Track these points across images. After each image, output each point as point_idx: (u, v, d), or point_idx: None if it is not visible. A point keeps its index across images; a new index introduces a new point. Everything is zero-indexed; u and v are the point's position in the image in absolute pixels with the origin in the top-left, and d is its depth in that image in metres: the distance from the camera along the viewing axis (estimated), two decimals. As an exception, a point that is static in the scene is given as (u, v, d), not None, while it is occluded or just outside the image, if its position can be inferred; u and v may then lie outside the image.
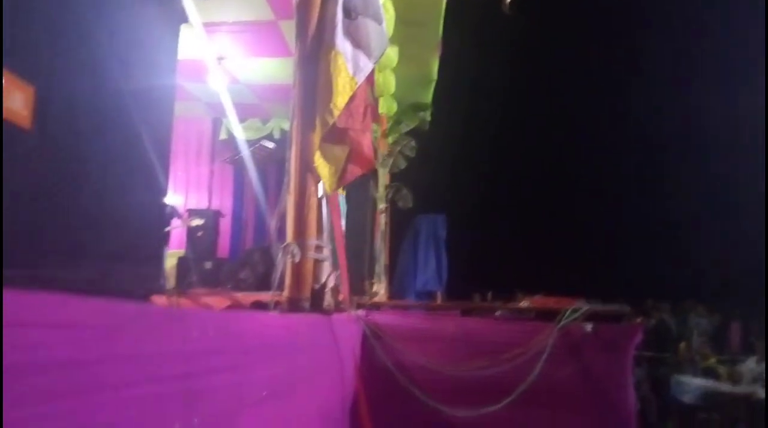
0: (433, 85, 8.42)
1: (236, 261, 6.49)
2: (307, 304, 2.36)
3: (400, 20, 6.81)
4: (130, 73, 1.18)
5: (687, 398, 5.77)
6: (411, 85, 8.04)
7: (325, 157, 2.44)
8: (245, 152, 6.23)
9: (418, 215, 9.90)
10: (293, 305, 2.34)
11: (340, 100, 2.38)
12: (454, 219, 10.12)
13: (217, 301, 1.91)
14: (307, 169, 2.47)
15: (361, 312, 4.32)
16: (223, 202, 10.50)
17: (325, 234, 2.51)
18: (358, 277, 8.01)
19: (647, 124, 15.09)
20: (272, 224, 2.63)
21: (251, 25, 7.15)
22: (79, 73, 1.00)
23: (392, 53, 7.05)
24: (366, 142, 2.45)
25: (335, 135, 2.40)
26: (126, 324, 0.83)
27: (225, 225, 10.10)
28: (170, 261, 9.12)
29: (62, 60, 0.96)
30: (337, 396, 2.33)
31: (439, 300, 9.23)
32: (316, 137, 2.37)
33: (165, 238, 1.32)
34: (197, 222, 8.52)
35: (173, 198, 9.46)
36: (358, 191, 8.57)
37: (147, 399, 0.87)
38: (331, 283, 2.46)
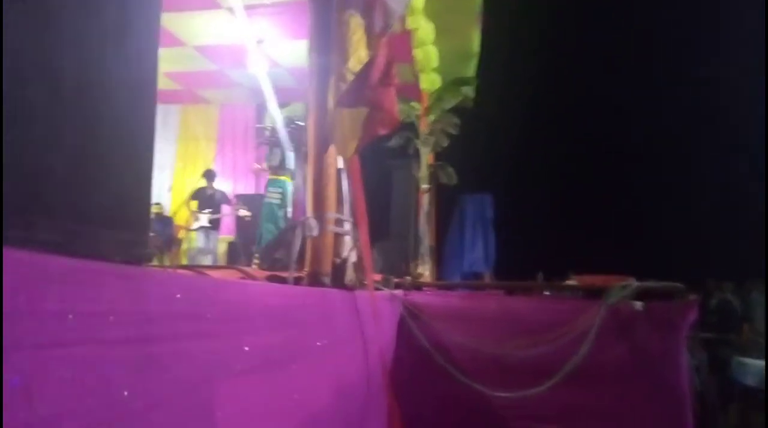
0: (476, 58, 8.16)
1: (272, 241, 6.56)
2: (327, 279, 2.28)
3: (436, -8, 6.63)
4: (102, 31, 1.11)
5: (749, 380, 5.42)
6: (452, 60, 7.82)
7: (341, 121, 2.33)
8: (282, 133, 6.24)
9: (463, 195, 9.71)
10: (313, 280, 2.25)
11: (355, 61, 2.27)
12: (502, 198, 9.86)
13: (226, 275, 1.83)
14: (324, 138, 2.37)
15: (398, 292, 4.23)
16: (271, 186, 10.62)
17: (346, 207, 2.41)
18: (402, 258, 7.95)
19: (702, 91, 14.14)
20: (299, 199, 2.55)
21: (289, 6, 7.11)
22: (46, 37, 0.95)
23: (428, 27, 6.87)
24: (388, 98, 2.30)
25: (351, 97, 2.28)
26: (55, 279, 0.76)
27: (273, 209, 10.22)
28: (221, 247, 9.35)
29: (30, 27, 0.91)
30: (357, 374, 2.25)
31: (487, 281, 9.05)
32: (330, 103, 2.27)
33: (148, 206, 1.20)
34: (244, 213, 8.60)
35: (222, 184, 9.64)
36: (400, 171, 8.46)
37: (84, 360, 0.80)
38: (353, 258, 2.36)
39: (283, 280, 2.12)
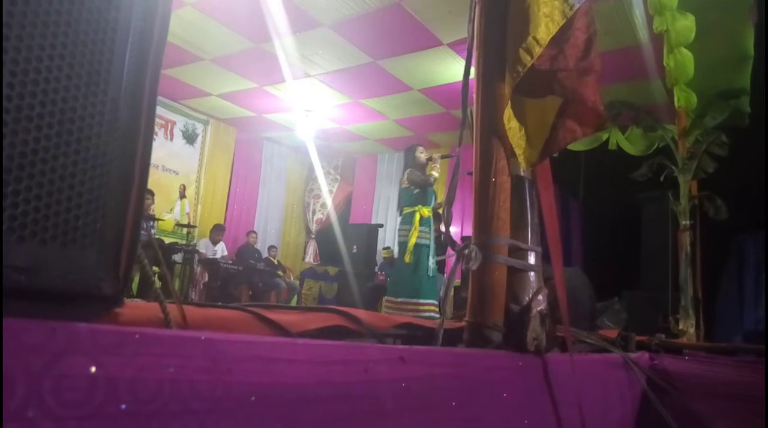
0: (750, 63, 6.50)
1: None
2: (497, 335, 1.54)
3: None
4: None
5: None
6: (716, 67, 6.34)
7: (522, 115, 1.64)
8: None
9: (741, 234, 7.75)
10: (475, 336, 1.54)
11: (543, 32, 1.59)
12: (799, 237, 7.60)
13: (320, 319, 1.24)
14: (494, 135, 1.69)
15: (640, 355, 3.20)
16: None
17: (530, 232, 1.67)
18: (658, 312, 6.54)
19: None
20: (445, 215, 1.89)
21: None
22: None
23: (684, 26, 5.62)
24: (589, 89, 1.57)
25: (537, 83, 1.60)
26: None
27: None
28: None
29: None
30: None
31: (782, 346, 6.93)
32: (507, 88, 1.61)
33: (130, 219, 0.77)
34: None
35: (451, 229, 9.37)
36: (652, 206, 7.11)
37: None
38: (540, 305, 1.58)
39: (426, 333, 1.47)
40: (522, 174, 1.72)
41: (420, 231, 6.18)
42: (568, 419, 1.64)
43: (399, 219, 6.53)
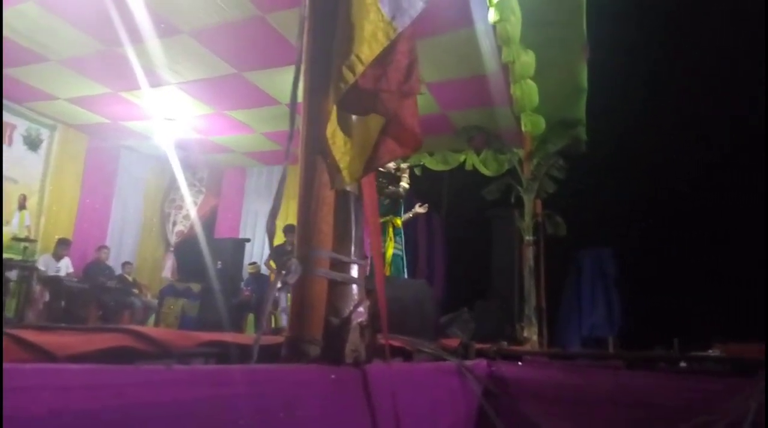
0: (585, 96, 7.23)
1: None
2: (315, 349, 1.56)
3: (534, 21, 5.93)
4: None
5: None
6: (556, 98, 6.97)
7: (347, 130, 1.70)
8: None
9: (579, 249, 8.57)
10: (293, 350, 1.55)
11: (366, 50, 1.65)
12: (626, 252, 8.56)
13: (107, 340, 1.16)
14: (318, 149, 1.74)
15: (476, 363, 3.40)
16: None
17: (353, 245, 1.72)
18: (506, 321, 6.99)
19: None
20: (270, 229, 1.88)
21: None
22: None
23: (528, 59, 6.14)
24: (408, 111, 1.66)
25: (360, 100, 1.66)
26: None
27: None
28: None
29: None
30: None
31: (611, 349, 7.72)
32: (330, 103, 1.66)
33: None
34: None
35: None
36: (501, 222, 7.62)
37: None
38: (360, 317, 1.63)
39: (243, 351, 1.45)
40: (348, 188, 1.77)
41: (395, 243, 5.95)
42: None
43: None
